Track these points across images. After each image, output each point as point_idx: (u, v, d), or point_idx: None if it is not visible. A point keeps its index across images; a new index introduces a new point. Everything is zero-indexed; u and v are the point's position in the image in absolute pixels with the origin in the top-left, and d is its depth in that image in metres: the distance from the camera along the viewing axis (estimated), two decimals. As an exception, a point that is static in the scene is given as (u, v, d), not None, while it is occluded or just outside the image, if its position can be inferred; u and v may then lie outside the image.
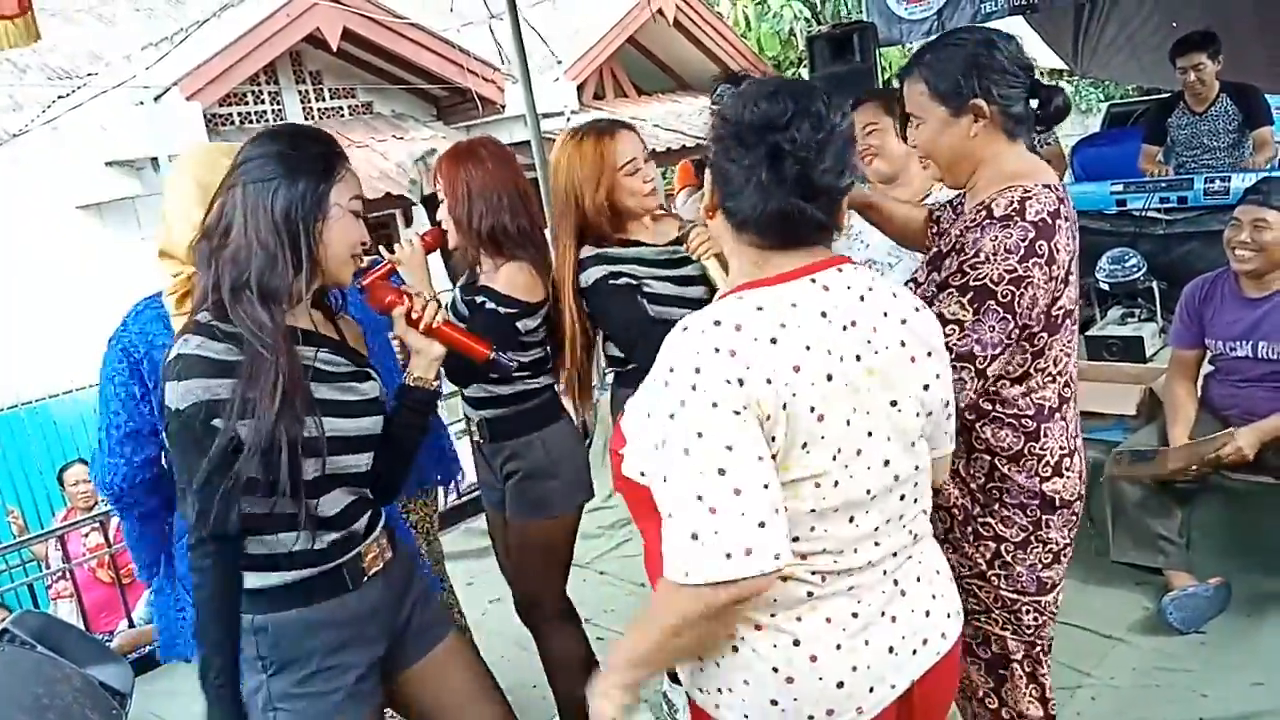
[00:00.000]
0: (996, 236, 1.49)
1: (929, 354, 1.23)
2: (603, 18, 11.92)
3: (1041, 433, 1.60)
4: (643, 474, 1.16)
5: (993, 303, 1.48)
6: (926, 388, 1.23)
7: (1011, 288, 1.48)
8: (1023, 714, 1.72)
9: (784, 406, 1.08)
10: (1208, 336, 2.85)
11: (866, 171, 2.61)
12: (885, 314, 1.19)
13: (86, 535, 4.38)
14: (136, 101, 7.93)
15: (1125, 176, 4.54)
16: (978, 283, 1.48)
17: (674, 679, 2.46)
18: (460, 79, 10.10)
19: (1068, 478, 1.63)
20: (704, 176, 1.27)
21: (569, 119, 10.40)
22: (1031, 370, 1.58)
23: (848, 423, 1.12)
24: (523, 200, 2.11)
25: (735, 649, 1.17)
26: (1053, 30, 6.18)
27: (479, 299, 2.09)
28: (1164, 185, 4.25)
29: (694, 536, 1.05)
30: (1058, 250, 1.50)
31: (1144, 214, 4.26)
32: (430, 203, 2.36)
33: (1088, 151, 5.89)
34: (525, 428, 2.19)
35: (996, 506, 1.63)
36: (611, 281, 2.07)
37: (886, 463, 1.17)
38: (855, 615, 1.18)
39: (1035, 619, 1.68)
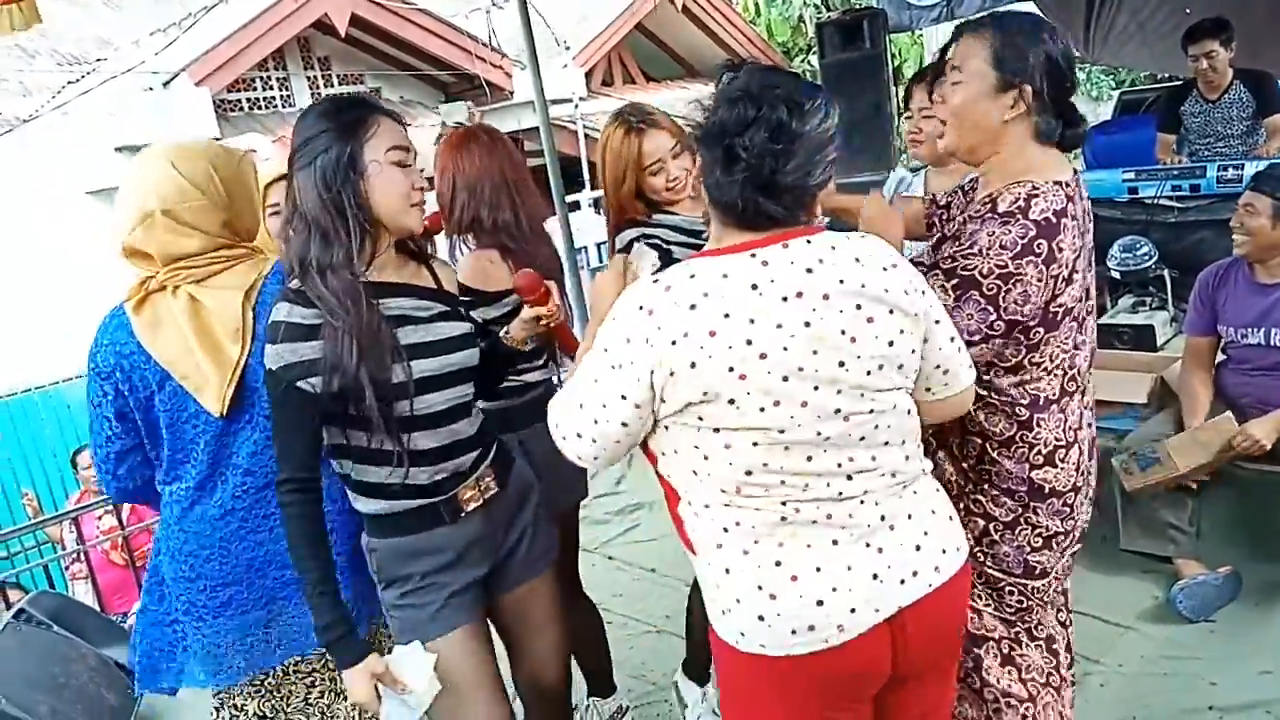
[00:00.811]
0: (994, 232, 1.50)
1: (890, 311, 1.30)
2: (610, 3, 11.88)
3: (1035, 423, 1.61)
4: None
5: (975, 293, 1.50)
6: (891, 343, 1.30)
7: (999, 282, 1.50)
8: (1006, 692, 1.72)
9: (692, 365, 1.23)
10: (1220, 323, 2.84)
11: (915, 151, 2.62)
12: (841, 280, 1.27)
13: (100, 518, 4.42)
14: (145, 87, 7.95)
15: (1137, 164, 4.51)
16: (965, 272, 1.51)
17: (688, 674, 2.46)
18: (468, 65, 10.09)
19: (1061, 468, 1.64)
20: None
21: (577, 105, 10.39)
22: (1025, 363, 1.59)
23: (784, 378, 1.24)
24: (509, 191, 2.09)
25: (727, 570, 1.31)
26: (1064, 16, 6.13)
27: None
28: (1176, 173, 4.22)
29: (557, 397, 1.41)
30: (1059, 249, 1.51)
31: (1156, 202, 4.24)
32: None
33: (1099, 139, 5.85)
34: (509, 426, 2.13)
35: (986, 487, 1.66)
36: (644, 243, 2.08)
37: (838, 410, 1.27)
38: (835, 543, 1.29)
39: (1019, 601, 1.69)
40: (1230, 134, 4.35)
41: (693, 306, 1.24)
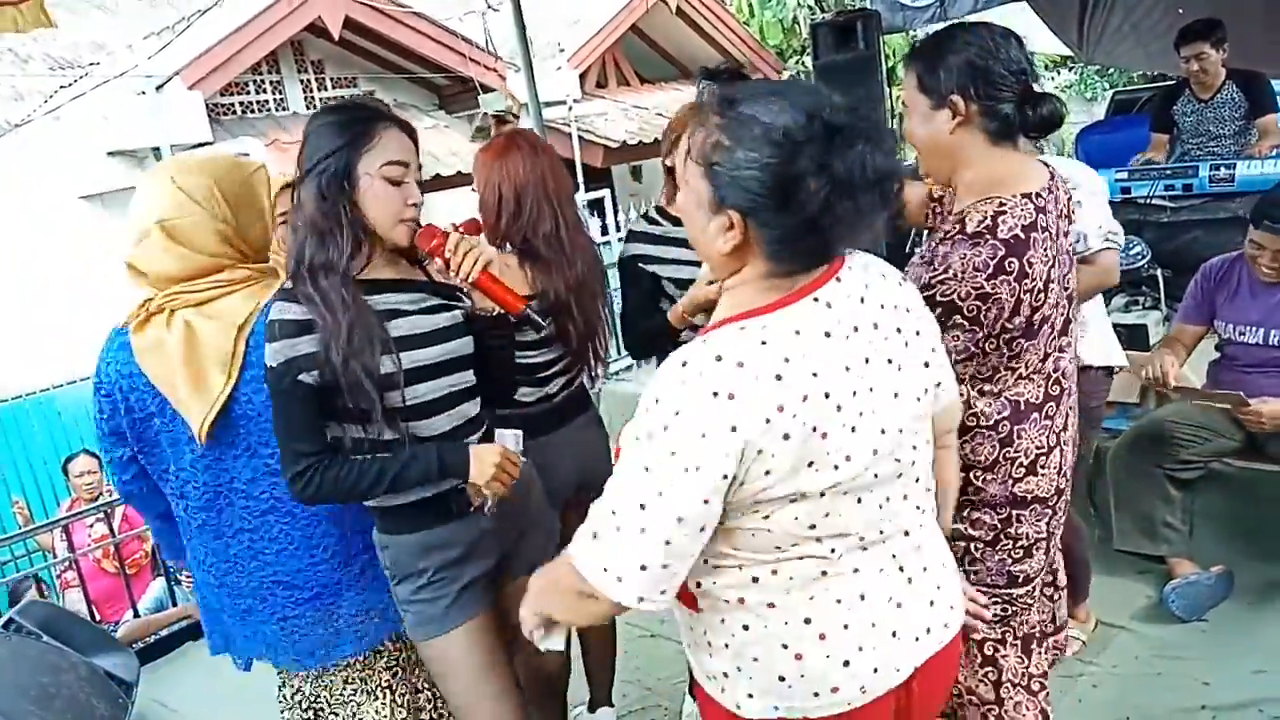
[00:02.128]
0: (965, 255, 1.48)
1: (917, 332, 1.24)
2: (603, 6, 11.87)
3: (1015, 435, 1.60)
4: None
5: (959, 317, 1.50)
6: (926, 364, 1.25)
7: (978, 303, 1.49)
8: (971, 690, 1.71)
9: (785, 437, 1.08)
10: (1218, 319, 2.84)
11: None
12: (881, 306, 1.20)
13: (91, 526, 4.40)
14: (138, 91, 7.93)
15: (1129, 165, 4.51)
16: (945, 299, 1.49)
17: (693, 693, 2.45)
18: (462, 68, 10.07)
19: (1042, 475, 1.63)
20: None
21: (570, 107, 10.38)
22: (1003, 369, 1.58)
23: (853, 429, 1.13)
24: (550, 199, 2.07)
25: (746, 627, 1.20)
26: (1057, 16, 6.13)
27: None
28: (1169, 173, 4.23)
29: (594, 535, 1.14)
30: (1031, 265, 1.49)
31: (1149, 201, 4.24)
32: None
33: (1092, 138, 5.87)
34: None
35: (967, 511, 1.64)
36: (640, 265, 2.17)
37: (892, 451, 1.19)
38: (863, 598, 1.20)
39: (1004, 609, 1.68)
40: (1223, 134, 4.36)
41: (779, 377, 1.07)
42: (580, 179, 10.03)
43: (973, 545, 1.66)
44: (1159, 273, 3.91)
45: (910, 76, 1.60)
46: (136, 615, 3.94)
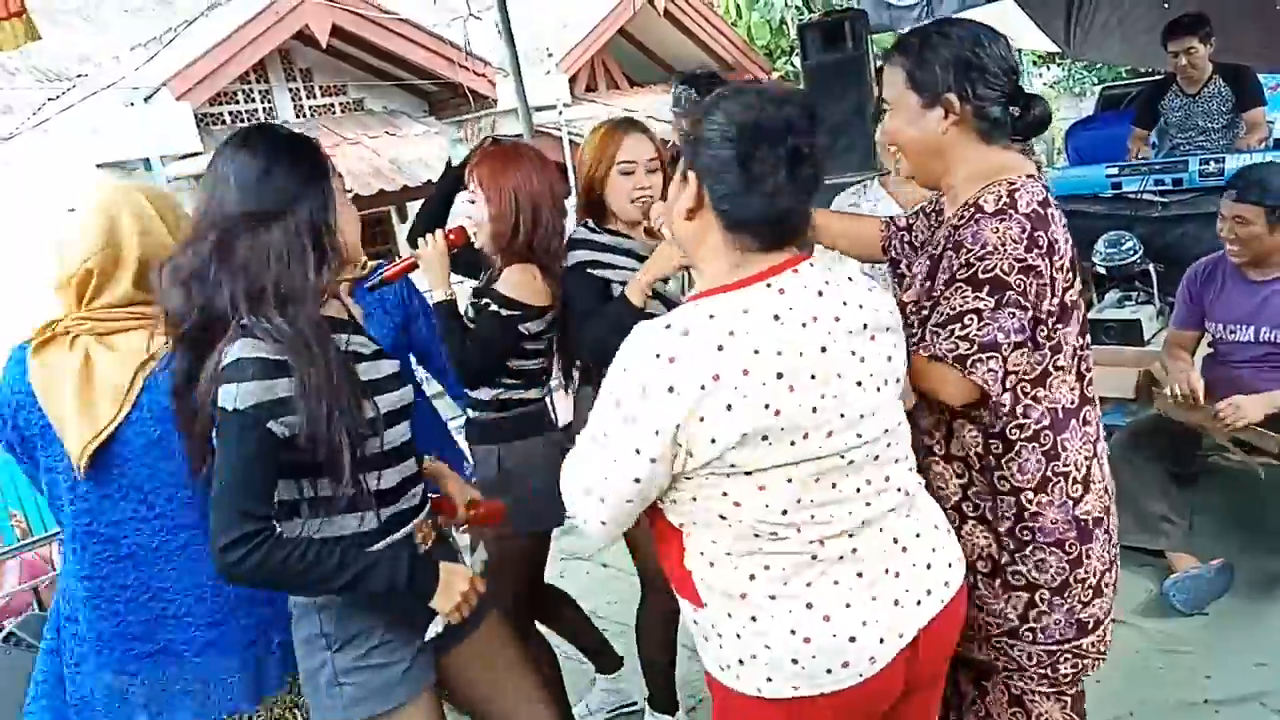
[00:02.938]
0: (997, 228, 1.41)
1: (887, 329, 1.31)
2: (591, 9, 11.88)
3: (1060, 446, 1.49)
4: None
5: (1011, 293, 1.40)
6: (889, 359, 1.31)
7: (1022, 277, 1.40)
8: None
9: (728, 407, 1.17)
10: (1208, 319, 2.85)
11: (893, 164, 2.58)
12: (845, 302, 1.26)
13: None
14: (127, 103, 7.90)
15: (1119, 159, 4.53)
16: (988, 274, 1.40)
17: (655, 708, 2.42)
18: (451, 74, 10.07)
19: (1093, 491, 1.52)
20: (674, 179, 1.33)
21: (561, 112, 10.39)
22: (1050, 368, 1.48)
23: (814, 410, 1.20)
24: (556, 208, 2.09)
25: (754, 619, 1.25)
26: (1044, 12, 6.16)
27: (484, 300, 2.07)
28: (1159, 167, 4.25)
29: (573, 454, 1.31)
30: (1056, 240, 1.44)
31: (1139, 196, 4.26)
32: (445, 189, 2.31)
33: (1082, 135, 5.89)
34: (490, 437, 2.14)
35: (1030, 550, 1.50)
36: (589, 270, 2.09)
37: (859, 434, 1.25)
38: (860, 575, 1.27)
39: (1075, 665, 1.55)
40: (1210, 127, 4.38)
41: (720, 348, 1.17)
42: (572, 182, 10.03)
43: (1038, 595, 1.51)
44: (1151, 267, 3.92)
45: (896, 73, 1.52)
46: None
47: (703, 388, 1.16)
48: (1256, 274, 2.74)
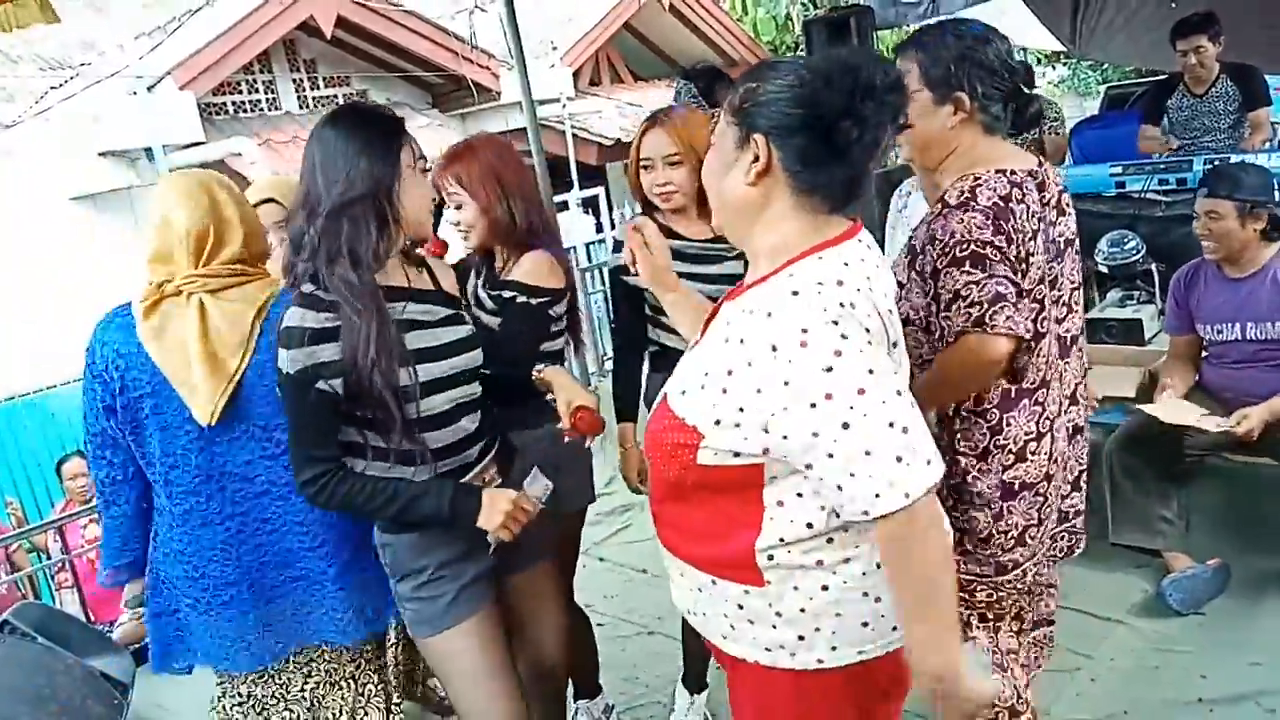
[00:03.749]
0: (962, 219, 1.55)
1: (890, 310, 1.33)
2: (595, 3, 11.86)
3: (1005, 423, 1.64)
4: (767, 431, 1.18)
5: (990, 261, 1.53)
6: (895, 344, 1.33)
7: (995, 251, 1.54)
8: None
9: (895, 344, 1.26)
10: (1197, 322, 2.86)
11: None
12: (878, 265, 1.29)
13: (85, 526, 4.38)
14: (130, 91, 7.88)
15: (1124, 159, 4.52)
16: (965, 254, 1.54)
17: (686, 685, 2.44)
18: (455, 66, 10.05)
19: (1032, 461, 1.66)
20: (743, 144, 1.27)
21: (564, 105, 10.37)
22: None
23: (895, 372, 1.22)
24: (536, 197, 2.14)
25: (826, 587, 1.25)
26: (1050, 12, 6.14)
27: (508, 294, 2.05)
28: (1163, 167, 4.24)
29: (899, 459, 1.11)
30: (1015, 231, 1.56)
31: (1143, 196, 4.25)
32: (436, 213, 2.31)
33: (1086, 134, 5.87)
34: (510, 424, 2.10)
35: (963, 509, 1.68)
36: (624, 276, 2.11)
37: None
38: None
39: (988, 595, 1.72)
40: (1216, 128, 4.36)
41: (869, 287, 1.20)
42: (575, 177, 10.03)
43: (966, 539, 1.69)
44: (1154, 267, 3.91)
45: (911, 68, 1.62)
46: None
47: (870, 329, 1.17)
48: (1235, 271, 2.75)
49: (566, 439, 1.77)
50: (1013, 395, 1.63)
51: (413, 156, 1.61)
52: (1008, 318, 1.51)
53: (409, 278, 1.68)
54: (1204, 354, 2.93)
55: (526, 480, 1.68)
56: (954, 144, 1.64)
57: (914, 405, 1.15)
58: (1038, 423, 1.65)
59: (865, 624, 1.26)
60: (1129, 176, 4.30)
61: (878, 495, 1.11)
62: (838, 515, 1.20)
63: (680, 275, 1.93)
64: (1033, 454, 1.66)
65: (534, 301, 2.04)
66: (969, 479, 1.66)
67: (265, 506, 1.74)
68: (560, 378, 1.86)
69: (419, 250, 1.76)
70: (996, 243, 1.53)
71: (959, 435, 1.66)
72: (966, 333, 1.53)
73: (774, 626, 1.28)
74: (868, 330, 1.15)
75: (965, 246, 1.54)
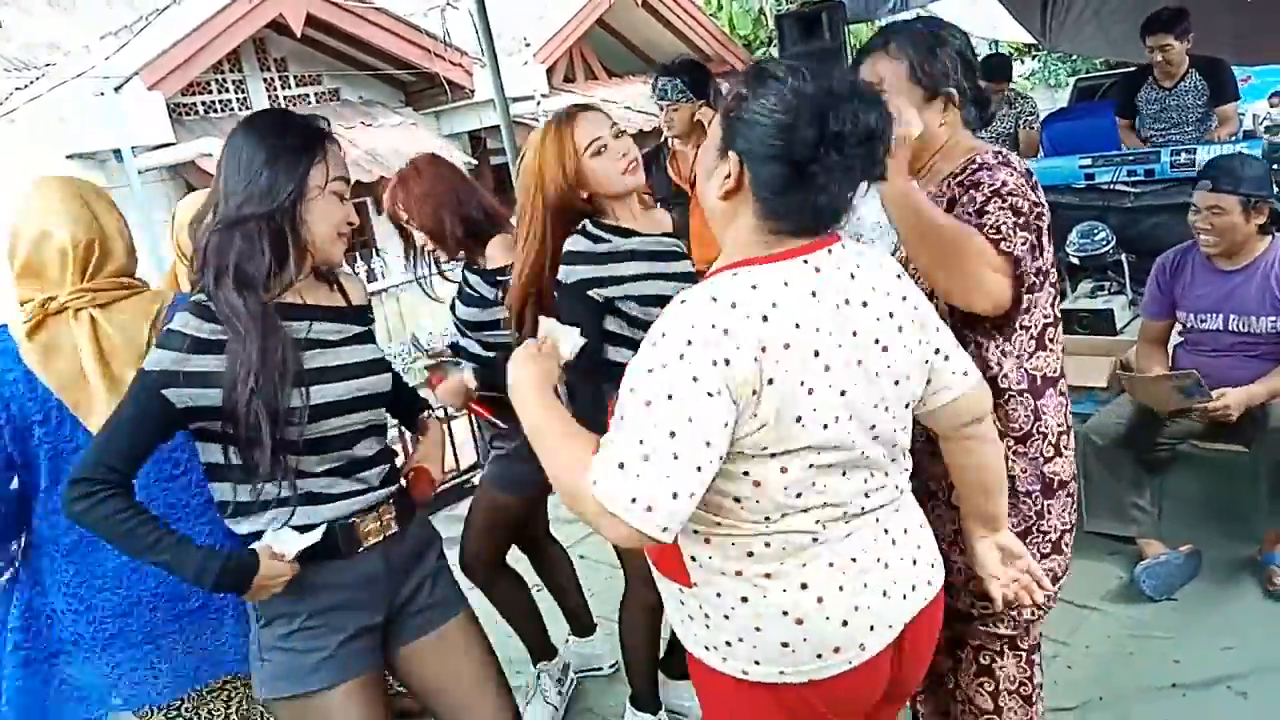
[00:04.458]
0: (1011, 172, 1.53)
1: (911, 320, 1.29)
2: (568, 0, 11.83)
3: (1041, 410, 1.60)
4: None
5: (1029, 217, 1.52)
6: (911, 351, 1.28)
7: (1033, 211, 1.53)
8: (970, 700, 1.74)
9: (770, 381, 1.13)
10: (1179, 309, 2.88)
11: None
12: (874, 288, 1.25)
13: None
14: (97, 92, 7.78)
15: (1094, 150, 4.56)
16: (1008, 203, 1.51)
17: (638, 706, 2.41)
18: (428, 64, 9.99)
19: (1065, 456, 1.63)
20: (707, 156, 1.28)
21: (539, 102, 10.34)
22: (1017, 327, 1.59)
23: (842, 392, 1.19)
24: (471, 192, 2.30)
25: (745, 599, 1.24)
26: (1021, 4, 6.19)
27: (500, 278, 2.20)
28: (1131, 159, 4.29)
29: (621, 466, 1.11)
30: (1034, 204, 1.56)
31: (1112, 187, 4.29)
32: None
33: (1056, 126, 5.92)
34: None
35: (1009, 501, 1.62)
36: (589, 292, 1.92)
37: (872, 426, 1.24)
38: (854, 560, 1.26)
39: (1033, 612, 1.64)
40: (1185, 121, 4.42)
41: (765, 319, 1.14)
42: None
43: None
44: (1124, 258, 3.95)
45: (899, 66, 1.59)
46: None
47: (755, 360, 1.13)
48: (1225, 264, 2.77)
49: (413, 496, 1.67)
50: (1038, 382, 1.60)
51: (325, 176, 1.48)
52: (1020, 241, 1.51)
53: (316, 294, 1.56)
54: (1179, 340, 2.96)
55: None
56: (941, 139, 1.64)
57: (681, 459, 1.10)
58: (1065, 416, 1.63)
59: (785, 644, 1.23)
60: (1098, 168, 4.34)
61: (595, 482, 1.12)
62: (766, 518, 1.21)
63: (638, 276, 1.92)
64: (1065, 448, 1.63)
65: (499, 280, 2.17)
66: (1010, 462, 1.59)
67: None
68: (434, 433, 1.83)
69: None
70: (1029, 207, 1.53)
71: (1001, 415, 1.59)
72: (999, 251, 1.51)
73: (707, 627, 1.28)
74: (726, 362, 1.11)
75: (1017, 197, 1.51)
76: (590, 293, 1.91)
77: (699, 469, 1.11)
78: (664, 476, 1.09)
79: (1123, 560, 2.86)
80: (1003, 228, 1.51)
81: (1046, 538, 1.64)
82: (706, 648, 1.29)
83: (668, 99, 3.10)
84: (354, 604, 1.54)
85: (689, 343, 1.12)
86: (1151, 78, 4.46)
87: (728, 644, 1.26)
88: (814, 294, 1.18)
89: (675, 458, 1.10)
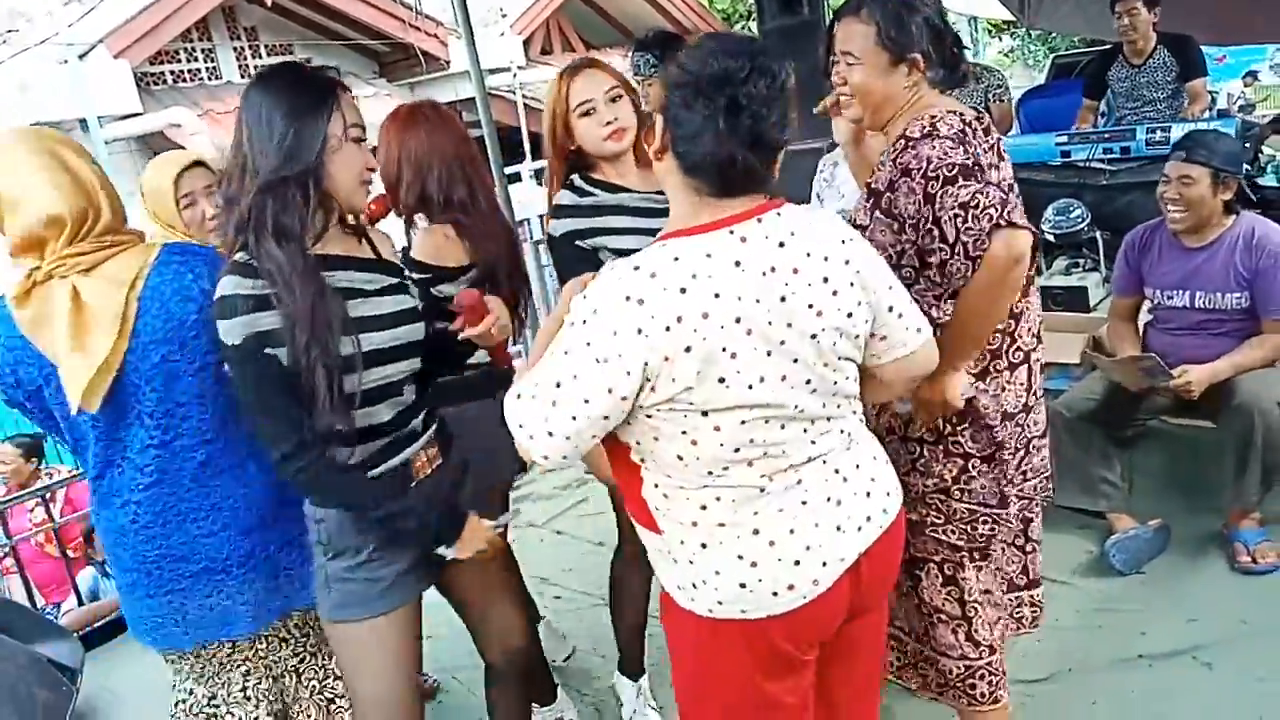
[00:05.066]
0: (934, 145, 1.61)
1: (850, 284, 1.34)
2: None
3: (999, 352, 1.76)
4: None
5: (977, 172, 1.59)
6: (849, 315, 1.34)
7: (976, 169, 1.59)
8: (939, 609, 1.87)
9: (687, 349, 1.23)
10: (1146, 285, 2.91)
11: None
12: (808, 254, 1.31)
13: (32, 510, 4.28)
14: (60, 60, 7.60)
15: (1070, 128, 4.58)
16: (953, 169, 1.58)
17: (623, 672, 2.44)
18: (402, 34, 9.84)
19: (1010, 388, 1.77)
20: (653, 120, 1.34)
21: (515, 74, 10.23)
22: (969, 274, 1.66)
23: (768, 354, 1.27)
24: (462, 168, 2.07)
25: (704, 545, 1.35)
26: (999, -19, 6.19)
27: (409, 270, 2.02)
28: (1107, 136, 4.31)
29: (518, 396, 1.34)
30: (980, 154, 1.64)
31: (1088, 165, 4.32)
32: None
33: (1033, 103, 5.94)
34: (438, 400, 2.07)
35: (969, 423, 1.77)
36: (577, 242, 1.98)
37: (808, 381, 1.32)
38: (804, 503, 1.35)
39: (991, 529, 1.82)
40: (1156, 98, 4.45)
41: (683, 290, 1.23)
42: (526, 146, 9.92)
43: (970, 463, 1.79)
44: (1098, 235, 3.98)
45: (868, 29, 1.68)
46: (79, 599, 3.85)
47: (668, 329, 1.22)
48: (1192, 240, 2.80)
49: (465, 332, 1.71)
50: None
51: (343, 125, 1.52)
52: (1021, 214, 1.59)
53: (347, 246, 1.62)
54: (1148, 317, 2.99)
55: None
56: (903, 100, 1.72)
57: (569, 416, 1.27)
58: (1012, 354, 1.77)
59: (743, 585, 1.33)
60: (1074, 145, 4.36)
61: (507, 398, 1.35)
62: (709, 472, 1.31)
63: (624, 230, 1.96)
64: (1009, 382, 1.76)
65: (416, 276, 1.90)
66: (972, 396, 1.75)
67: (157, 498, 1.65)
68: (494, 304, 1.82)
69: (360, 218, 1.68)
70: (969, 163, 1.59)
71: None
72: (999, 228, 1.55)
73: (676, 569, 1.39)
74: (639, 331, 1.22)
75: (951, 167, 1.59)
76: (577, 244, 1.98)
77: (573, 418, 1.27)
78: (543, 417, 1.29)
79: (1092, 535, 2.90)
80: (976, 200, 1.57)
81: (1007, 464, 1.79)
82: (678, 587, 1.40)
83: (641, 74, 3.07)
84: (409, 538, 1.65)
85: (595, 311, 1.26)
86: (1121, 55, 4.48)
87: (694, 585, 1.37)
88: (738, 263, 1.26)
89: (554, 404, 1.28)
